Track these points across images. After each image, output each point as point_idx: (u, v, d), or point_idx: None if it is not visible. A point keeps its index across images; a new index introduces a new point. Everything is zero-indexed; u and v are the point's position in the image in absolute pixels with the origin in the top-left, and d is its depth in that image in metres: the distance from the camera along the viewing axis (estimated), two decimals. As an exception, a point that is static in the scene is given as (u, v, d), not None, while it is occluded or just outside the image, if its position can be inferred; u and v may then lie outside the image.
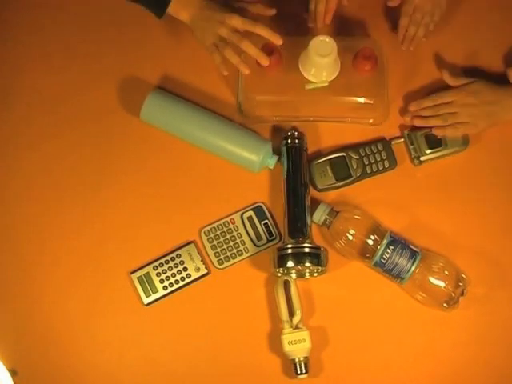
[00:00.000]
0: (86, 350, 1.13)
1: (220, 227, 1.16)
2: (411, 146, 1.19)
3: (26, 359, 1.13)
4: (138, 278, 1.14)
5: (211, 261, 1.16)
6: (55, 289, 1.15)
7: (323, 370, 1.11)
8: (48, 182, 1.20)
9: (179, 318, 1.14)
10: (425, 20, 1.19)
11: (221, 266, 1.15)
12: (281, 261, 1.09)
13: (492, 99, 1.16)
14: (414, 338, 1.13)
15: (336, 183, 1.18)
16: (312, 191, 1.17)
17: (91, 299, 1.15)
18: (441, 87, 1.20)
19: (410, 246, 1.11)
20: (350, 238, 1.11)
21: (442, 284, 1.09)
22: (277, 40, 1.11)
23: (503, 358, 1.12)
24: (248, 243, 1.16)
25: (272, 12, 1.19)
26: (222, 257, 1.15)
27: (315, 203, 1.15)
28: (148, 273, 1.14)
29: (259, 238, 1.16)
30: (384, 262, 1.09)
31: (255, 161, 1.16)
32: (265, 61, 1.12)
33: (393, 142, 1.19)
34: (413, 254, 1.10)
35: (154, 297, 1.14)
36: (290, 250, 1.09)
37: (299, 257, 1.08)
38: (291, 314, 1.11)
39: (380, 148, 1.18)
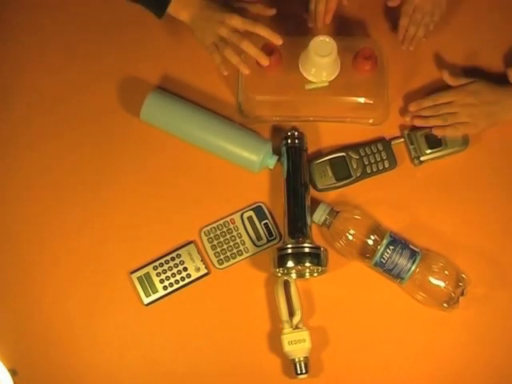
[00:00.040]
0: (85, 350, 1.13)
1: (220, 227, 1.16)
2: (411, 146, 1.19)
3: (25, 359, 1.13)
4: (138, 277, 1.14)
5: (211, 261, 1.16)
6: (55, 289, 1.15)
7: (323, 369, 1.11)
8: (48, 181, 1.20)
9: (179, 318, 1.14)
10: (425, 20, 1.19)
11: (221, 266, 1.15)
12: (281, 261, 1.09)
13: (492, 99, 1.16)
14: (413, 338, 1.13)
15: (336, 183, 1.18)
16: (312, 191, 1.17)
17: (91, 299, 1.15)
18: (441, 87, 1.20)
19: (410, 246, 1.11)
20: (350, 237, 1.11)
21: (442, 284, 1.09)
22: (277, 40, 1.11)
23: (503, 358, 1.12)
24: (248, 243, 1.16)
25: (272, 12, 1.19)
26: (221, 257, 1.15)
27: (315, 203, 1.15)
28: (148, 273, 1.14)
29: (259, 237, 1.16)
30: (384, 261, 1.09)
31: (255, 161, 1.16)
32: (265, 61, 1.12)
33: (393, 142, 1.19)
34: (413, 254, 1.09)
35: (154, 297, 1.14)
36: (290, 250, 1.08)
37: (299, 257, 1.08)
38: (291, 314, 1.11)
39: (380, 148, 1.18)
